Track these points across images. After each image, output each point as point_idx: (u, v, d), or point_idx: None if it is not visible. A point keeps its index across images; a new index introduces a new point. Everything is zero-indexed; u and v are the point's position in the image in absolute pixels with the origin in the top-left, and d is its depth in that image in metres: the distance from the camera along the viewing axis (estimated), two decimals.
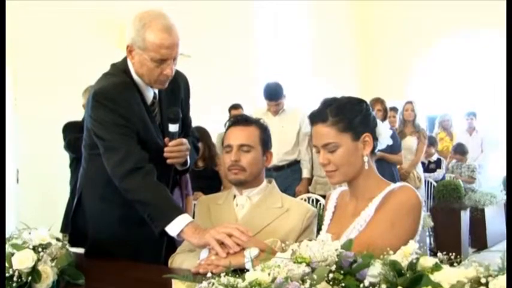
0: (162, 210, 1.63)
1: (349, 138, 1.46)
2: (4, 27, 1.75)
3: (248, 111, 5.05)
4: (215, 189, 3.90)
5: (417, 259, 1.03)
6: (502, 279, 0.90)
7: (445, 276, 0.98)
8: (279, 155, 4.05)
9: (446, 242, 5.10)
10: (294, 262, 1.06)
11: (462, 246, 5.28)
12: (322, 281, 1.04)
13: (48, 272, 1.44)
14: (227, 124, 1.84)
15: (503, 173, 7.23)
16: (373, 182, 1.50)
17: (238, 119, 1.83)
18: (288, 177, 4.20)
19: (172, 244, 1.97)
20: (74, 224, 1.97)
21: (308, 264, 1.07)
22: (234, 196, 1.83)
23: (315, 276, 1.01)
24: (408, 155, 4.87)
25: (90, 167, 1.90)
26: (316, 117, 1.50)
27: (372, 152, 1.52)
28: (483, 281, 0.91)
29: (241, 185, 1.78)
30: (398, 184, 1.49)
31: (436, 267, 1.02)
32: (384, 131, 1.55)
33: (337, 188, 1.67)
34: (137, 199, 1.68)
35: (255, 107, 5.13)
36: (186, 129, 1.99)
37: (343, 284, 1.04)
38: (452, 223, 5.26)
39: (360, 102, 1.53)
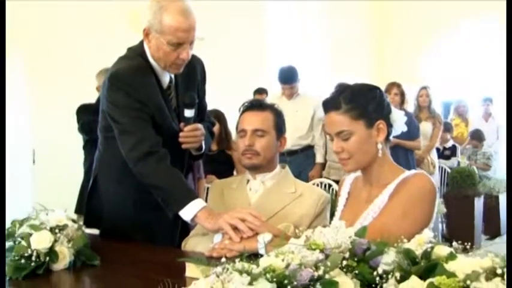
0: (176, 195, 1.65)
1: (363, 126, 1.45)
2: (4, 27, 1.75)
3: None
4: (228, 173, 3.92)
5: (432, 248, 1.02)
6: None
7: (459, 265, 0.98)
8: (292, 139, 4.04)
9: (459, 229, 5.08)
10: (308, 249, 1.07)
11: (475, 233, 5.26)
12: (336, 267, 1.04)
13: (65, 252, 1.47)
14: (241, 109, 1.84)
15: None
16: (387, 169, 1.49)
17: (252, 104, 1.83)
18: (302, 162, 4.20)
19: (185, 227, 2.00)
20: (89, 206, 2.00)
21: (322, 251, 1.08)
22: (248, 181, 1.83)
23: (328, 263, 1.02)
24: (423, 141, 4.83)
25: (106, 150, 1.91)
26: (329, 105, 1.49)
27: (386, 138, 1.50)
28: (499, 271, 0.91)
29: (255, 169, 1.79)
30: (413, 171, 1.48)
31: (451, 257, 1.02)
32: (398, 118, 1.53)
33: (351, 174, 1.67)
34: (151, 183, 1.69)
35: (270, 91, 5.11)
36: (202, 113, 1.99)
37: (356, 271, 1.05)
38: (466, 210, 5.22)
39: (373, 88, 1.51)
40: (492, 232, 5.69)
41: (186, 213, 1.61)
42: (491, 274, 0.93)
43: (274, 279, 0.90)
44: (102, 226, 1.94)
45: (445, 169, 5.68)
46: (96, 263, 1.52)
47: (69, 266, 1.48)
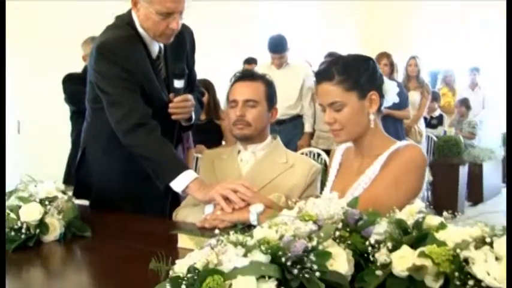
0: (166, 166, 1.64)
1: (356, 97, 1.44)
2: (4, 27, 1.70)
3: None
4: (217, 143, 3.91)
5: (423, 218, 1.04)
6: (504, 238, 0.91)
7: (449, 234, 0.99)
8: (281, 108, 3.98)
9: (444, 196, 5.18)
10: (301, 220, 1.07)
11: (459, 200, 5.37)
12: (329, 238, 1.05)
13: (56, 224, 1.47)
14: (232, 79, 1.82)
15: (503, 129, 7.26)
16: (379, 140, 1.49)
17: (243, 74, 1.81)
18: (290, 131, 4.20)
19: (176, 198, 2.00)
20: (78, 177, 1.98)
21: (315, 222, 1.09)
22: (239, 151, 1.83)
23: (321, 234, 1.03)
24: (411, 110, 4.86)
25: (94, 121, 1.89)
26: (322, 76, 1.47)
27: (378, 109, 1.50)
28: (488, 240, 0.92)
29: (246, 140, 1.78)
30: (404, 142, 1.48)
31: (441, 226, 1.03)
32: (391, 88, 1.53)
33: (342, 145, 1.67)
34: (142, 154, 1.68)
35: (259, 61, 5.07)
36: (191, 84, 1.96)
37: (349, 242, 1.06)
38: (451, 178, 5.32)
39: (366, 59, 1.50)
40: (475, 199, 5.82)
41: (177, 184, 1.61)
42: (480, 243, 0.95)
43: (269, 251, 0.91)
44: (92, 197, 1.93)
45: (431, 138, 5.73)
46: (87, 234, 1.52)
47: (59, 238, 1.48)
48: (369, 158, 1.48)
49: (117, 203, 1.84)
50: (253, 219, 1.46)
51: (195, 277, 0.82)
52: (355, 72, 1.44)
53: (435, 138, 5.69)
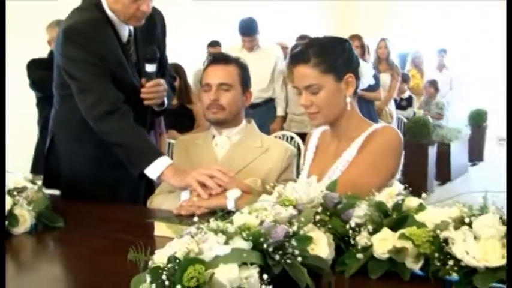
0: (140, 152, 1.60)
1: (332, 79, 1.43)
2: (4, 26, 1.62)
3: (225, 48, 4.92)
4: (189, 128, 3.87)
5: (403, 200, 1.04)
6: (484, 218, 0.92)
7: (429, 216, 1.00)
8: (254, 92, 3.98)
9: (414, 176, 5.25)
10: (281, 205, 1.06)
11: (428, 180, 5.48)
12: (309, 223, 1.04)
13: (26, 215, 1.41)
14: (206, 62, 1.78)
15: (470, 109, 7.43)
16: (356, 122, 1.49)
17: (217, 57, 1.77)
18: (263, 115, 4.18)
19: (150, 185, 1.96)
20: (47, 166, 1.92)
21: (294, 207, 1.08)
22: (213, 136, 1.80)
23: (302, 219, 1.02)
24: (382, 92, 4.91)
25: (62, 108, 1.83)
26: (298, 58, 1.45)
27: (354, 92, 1.50)
28: (467, 220, 0.93)
29: (221, 124, 1.76)
30: (381, 124, 1.49)
31: (420, 208, 1.04)
32: (366, 70, 1.52)
33: (318, 128, 1.66)
34: (114, 141, 1.63)
35: (227, 44, 5.00)
36: (163, 68, 1.91)
37: (329, 226, 1.06)
38: (420, 158, 5.41)
39: (342, 41, 1.49)
40: (443, 178, 5.95)
41: (152, 171, 1.57)
42: (459, 223, 0.96)
43: (250, 238, 0.89)
44: (63, 186, 1.87)
45: (402, 119, 5.82)
46: (59, 225, 1.47)
47: (30, 230, 1.43)
48: (345, 140, 1.48)
49: (89, 191, 1.79)
50: (230, 205, 1.44)
51: (176, 267, 0.80)
52: (331, 55, 1.43)
53: (405, 120, 5.77)
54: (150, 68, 1.76)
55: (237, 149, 1.74)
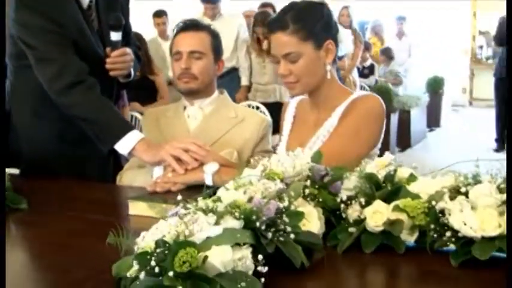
0: (109, 127, 1.50)
1: (312, 47, 1.36)
2: (4, 26, 1.47)
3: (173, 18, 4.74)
4: (151, 100, 3.74)
5: (395, 171, 1.00)
6: (481, 187, 0.89)
7: (422, 186, 0.97)
8: None
9: None
10: (267, 179, 1.01)
11: (390, 146, 5.58)
12: (299, 197, 1.00)
13: None
14: (175, 30, 1.68)
15: (427, 76, 7.56)
16: (336, 91, 1.44)
17: (187, 24, 1.67)
18: (227, 84, 4.03)
19: (117, 161, 1.87)
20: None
21: (281, 180, 1.02)
22: (185, 107, 1.71)
23: (292, 193, 0.97)
24: (345, 60, 4.89)
25: (19, 80, 1.68)
26: (275, 25, 1.38)
27: (334, 60, 1.44)
28: (463, 190, 0.91)
29: (192, 94, 1.67)
30: (362, 92, 1.44)
31: (412, 178, 1.01)
32: (345, 37, 1.47)
33: (295, 97, 1.60)
34: (80, 116, 1.52)
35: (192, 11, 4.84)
36: (127, 37, 1.79)
37: (320, 199, 1.01)
38: None
39: (320, 5, 1.42)
40: (403, 144, 6.07)
41: (123, 146, 1.48)
42: (454, 193, 0.93)
43: (242, 216, 0.84)
44: (23, 165, 1.75)
45: (364, 87, 5.85)
46: (23, 206, 1.36)
47: None
48: (326, 110, 1.43)
49: (52, 169, 1.68)
50: (208, 180, 1.38)
51: (166, 251, 0.74)
52: (310, 20, 1.36)
53: (367, 88, 5.81)
54: (115, 36, 1.64)
55: (210, 120, 1.67)
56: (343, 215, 1.00)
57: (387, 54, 6.54)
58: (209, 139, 1.58)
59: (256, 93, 4.23)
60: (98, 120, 1.51)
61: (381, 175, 1.01)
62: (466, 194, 0.91)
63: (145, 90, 3.68)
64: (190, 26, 1.66)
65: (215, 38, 1.69)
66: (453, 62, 9.38)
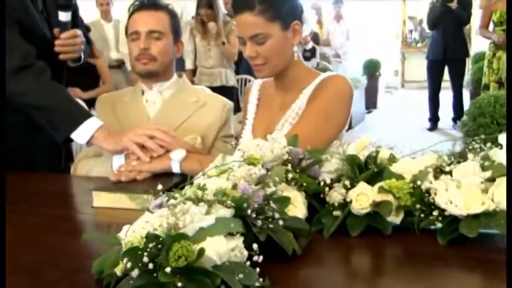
0: (65, 114, 1.39)
1: (279, 28, 1.33)
2: (4, 25, 1.30)
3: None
4: (93, 85, 3.56)
5: (377, 152, 1.00)
6: (465, 166, 0.91)
7: (405, 167, 0.97)
8: None
9: None
10: (248, 164, 0.97)
11: None
12: (282, 182, 0.97)
13: None
14: (131, 8, 1.59)
15: (365, 58, 7.77)
16: (302, 72, 1.42)
17: (145, 3, 1.57)
18: None
19: (67, 149, 1.76)
20: None
21: (262, 166, 0.99)
22: (142, 92, 1.63)
23: (276, 178, 0.94)
24: None
25: None
26: (241, 5, 1.32)
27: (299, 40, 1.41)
28: (447, 169, 0.92)
29: (151, 77, 1.59)
30: (329, 73, 1.43)
31: (393, 159, 1.01)
32: (310, 17, 1.45)
33: (256, 80, 1.57)
34: (30, 103, 1.40)
35: None
36: (75, 18, 1.67)
37: (303, 183, 0.99)
38: None
39: None
40: None
41: (80, 135, 1.38)
42: (438, 172, 0.94)
43: (233, 205, 0.80)
44: None
45: None
46: None
47: None
48: (293, 91, 1.40)
49: None
50: (175, 167, 1.32)
51: (159, 246, 0.69)
52: (277, 0, 1.32)
53: None
54: (64, 16, 1.52)
55: (170, 105, 1.59)
56: (327, 199, 0.98)
57: (315, 39, 6.65)
58: (170, 125, 1.51)
59: (202, 77, 4.14)
60: (50, 108, 1.39)
61: (362, 156, 1.00)
62: (450, 173, 0.92)
63: (85, 74, 3.49)
64: (147, 5, 1.57)
65: (174, 17, 1.62)
66: (386, 46, 9.70)
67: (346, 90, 1.37)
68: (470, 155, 0.92)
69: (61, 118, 1.39)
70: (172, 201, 0.77)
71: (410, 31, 10.60)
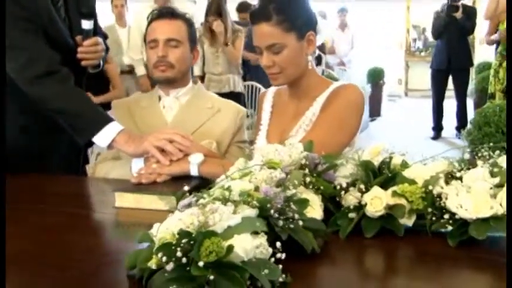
0: (88, 118, 1.45)
1: (294, 38, 1.38)
2: (4, 25, 1.36)
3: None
4: (104, 90, 3.62)
5: (390, 158, 1.05)
6: (475, 172, 0.96)
7: (417, 172, 1.02)
8: None
9: None
10: (269, 168, 1.02)
11: None
12: (301, 185, 1.02)
13: None
14: (150, 17, 1.65)
15: (369, 67, 7.83)
16: (316, 81, 1.47)
17: (163, 12, 1.64)
18: None
19: (84, 153, 1.82)
20: None
21: (281, 170, 1.04)
22: (159, 98, 1.69)
23: (295, 181, 0.99)
24: None
25: None
26: (258, 16, 1.38)
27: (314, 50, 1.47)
28: (458, 175, 0.97)
29: (169, 83, 1.65)
30: (341, 82, 1.48)
31: (405, 165, 1.06)
32: (323, 27, 1.51)
33: (270, 88, 1.62)
34: (55, 108, 1.46)
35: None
36: (94, 25, 1.72)
37: (321, 187, 1.04)
38: None
39: None
40: None
41: (102, 138, 1.43)
42: (448, 178, 0.99)
43: (257, 205, 0.85)
44: None
45: None
46: None
47: None
48: (306, 99, 1.46)
49: (15, 164, 1.60)
50: (193, 171, 1.37)
51: (191, 242, 0.74)
52: (292, 11, 1.38)
53: None
54: (87, 24, 1.58)
55: (187, 111, 1.65)
56: (342, 202, 1.03)
57: (320, 48, 6.73)
58: (187, 130, 1.56)
59: (210, 84, 4.20)
60: (74, 112, 1.45)
61: (376, 162, 1.05)
62: (460, 179, 0.97)
63: (96, 79, 3.54)
64: (166, 13, 1.63)
65: (191, 26, 1.68)
66: (389, 54, 9.78)
67: (359, 99, 1.42)
68: (479, 162, 0.97)
69: (84, 122, 1.45)
70: (202, 200, 0.82)
71: (414, 40, 10.67)
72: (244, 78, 4.49)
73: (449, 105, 6.04)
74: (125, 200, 1.24)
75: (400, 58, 10.44)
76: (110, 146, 1.45)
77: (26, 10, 1.43)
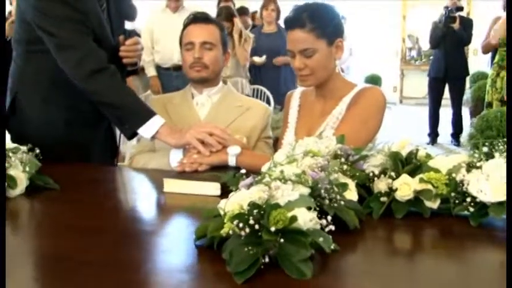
0: (134, 111, 1.58)
1: (325, 44, 1.53)
2: (4, 25, 1.42)
3: None
4: None
5: (417, 150, 1.19)
6: (493, 162, 1.10)
7: (440, 163, 1.17)
8: (178, 53, 3.95)
9: None
10: (312, 156, 1.16)
11: None
12: (339, 171, 1.16)
13: (21, 177, 1.35)
14: (186, 21, 1.79)
15: (366, 74, 8.01)
16: (341, 83, 1.62)
17: (198, 17, 1.78)
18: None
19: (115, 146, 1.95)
20: (8, 128, 1.80)
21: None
22: (192, 96, 1.82)
23: (336, 168, 1.13)
24: None
25: (29, 65, 1.71)
26: (293, 23, 1.53)
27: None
28: (478, 165, 1.11)
29: (203, 83, 1.79)
30: (364, 85, 1.63)
31: (428, 156, 1.21)
32: (348, 35, 1.65)
33: (297, 89, 1.77)
34: (104, 101, 1.59)
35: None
36: None
37: (356, 174, 1.18)
38: None
39: (331, 7, 1.60)
40: None
41: (147, 130, 1.56)
42: (470, 167, 1.13)
43: (310, 185, 0.99)
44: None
45: None
46: (55, 186, 1.41)
47: (24, 192, 1.36)
48: (332, 99, 1.60)
49: (59, 154, 1.72)
50: (231, 161, 1.51)
51: (262, 212, 0.87)
52: (324, 20, 1.53)
53: None
54: (130, 25, 1.72)
55: (218, 108, 1.79)
56: (374, 188, 1.18)
57: None
58: (220, 126, 1.70)
59: None
60: (122, 105, 1.58)
61: (404, 153, 1.20)
62: (480, 168, 1.11)
63: None
64: (200, 18, 1.77)
65: (222, 31, 1.82)
66: (386, 63, 9.97)
67: (382, 100, 1.57)
68: (496, 154, 1.12)
69: (131, 115, 1.58)
70: (266, 179, 0.96)
71: (410, 49, 10.87)
72: (251, 82, 4.63)
73: (444, 113, 6.23)
74: (173, 185, 1.37)
75: (396, 66, 10.63)
76: (153, 138, 1.58)
77: (80, 13, 1.56)
